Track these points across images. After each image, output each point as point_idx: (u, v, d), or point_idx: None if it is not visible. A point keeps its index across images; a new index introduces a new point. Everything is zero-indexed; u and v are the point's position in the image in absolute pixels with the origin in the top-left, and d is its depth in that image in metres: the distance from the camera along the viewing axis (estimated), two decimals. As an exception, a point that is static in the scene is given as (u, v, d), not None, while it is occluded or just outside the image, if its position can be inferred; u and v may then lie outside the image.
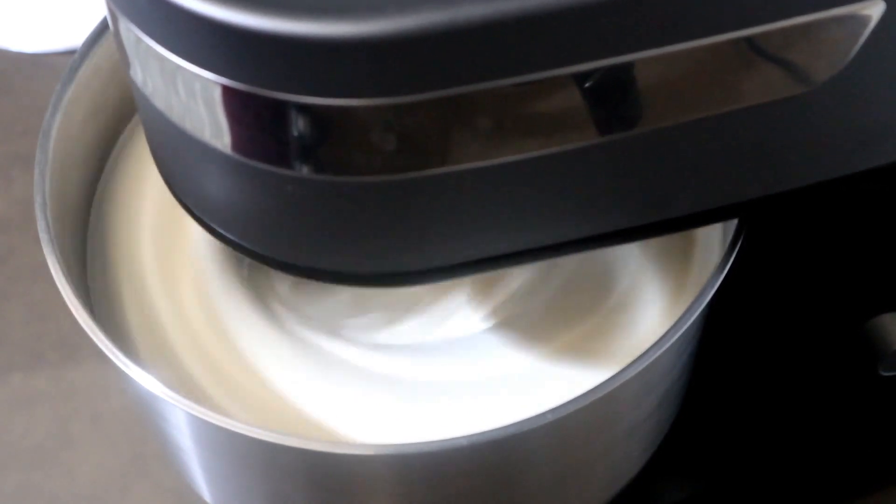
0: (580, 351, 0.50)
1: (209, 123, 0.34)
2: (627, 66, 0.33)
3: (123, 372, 0.43)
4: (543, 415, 0.41)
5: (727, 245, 0.44)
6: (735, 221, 0.45)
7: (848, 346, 0.51)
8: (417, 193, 0.35)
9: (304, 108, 0.32)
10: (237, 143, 0.34)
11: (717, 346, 0.51)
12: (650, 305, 0.51)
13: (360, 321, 0.52)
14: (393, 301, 0.52)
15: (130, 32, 0.34)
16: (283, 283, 0.53)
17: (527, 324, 0.51)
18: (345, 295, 0.52)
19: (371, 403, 0.48)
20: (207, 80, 0.32)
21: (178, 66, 0.33)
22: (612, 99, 0.33)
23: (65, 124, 0.50)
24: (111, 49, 0.51)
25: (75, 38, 0.72)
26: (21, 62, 0.74)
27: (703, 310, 0.43)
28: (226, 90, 0.32)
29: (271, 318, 0.52)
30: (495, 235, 0.37)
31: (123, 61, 0.36)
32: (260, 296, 0.53)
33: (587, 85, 0.33)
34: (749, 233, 0.44)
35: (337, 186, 0.34)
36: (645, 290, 0.52)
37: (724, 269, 0.44)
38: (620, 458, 0.51)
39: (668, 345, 0.42)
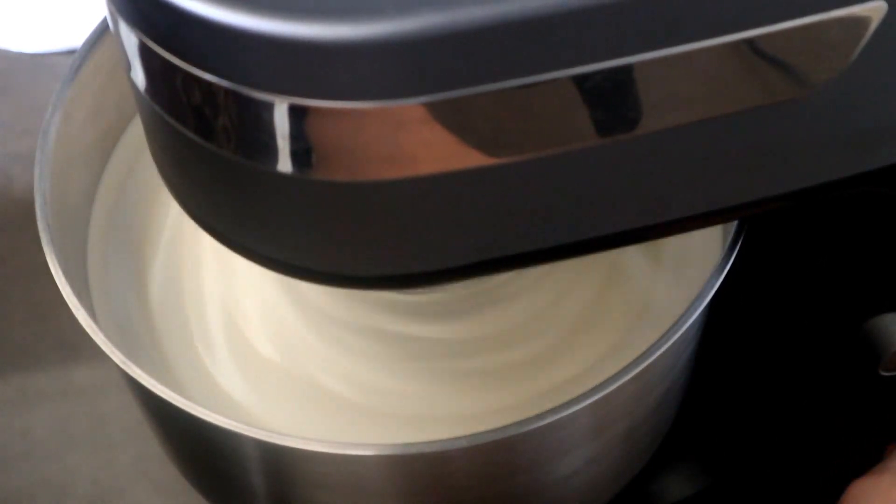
0: (580, 350, 0.50)
1: (209, 126, 0.34)
2: (627, 69, 0.33)
3: (124, 371, 0.43)
4: (543, 415, 0.41)
5: (727, 245, 0.44)
6: (735, 221, 0.45)
7: (848, 346, 0.51)
8: (416, 195, 0.35)
9: (304, 111, 0.32)
10: (238, 146, 0.34)
11: (717, 346, 0.51)
12: (650, 306, 0.51)
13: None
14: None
15: (131, 35, 0.34)
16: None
17: (527, 323, 0.51)
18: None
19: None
20: (208, 82, 0.32)
21: (179, 69, 0.33)
22: (614, 101, 0.33)
23: (65, 124, 0.50)
24: (111, 49, 0.51)
25: (75, 38, 0.72)
26: (21, 62, 0.74)
27: (704, 310, 0.43)
28: (227, 92, 0.32)
29: (275, 317, 0.52)
30: (495, 238, 0.37)
31: (124, 63, 0.36)
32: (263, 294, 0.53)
33: (587, 87, 0.33)
34: (749, 233, 0.44)
35: (339, 188, 0.34)
36: (644, 291, 0.52)
37: (724, 269, 0.44)
38: (621, 458, 0.51)
39: (668, 345, 0.42)
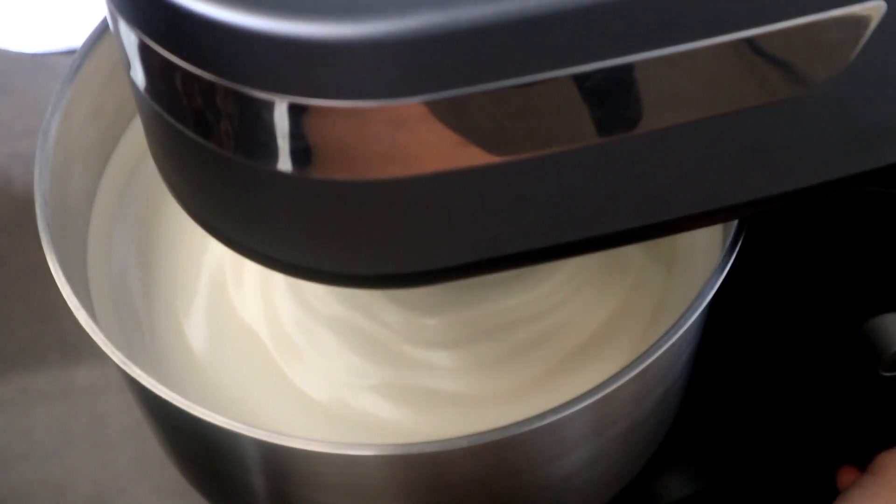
0: (578, 349, 0.50)
1: (209, 125, 0.34)
2: (627, 68, 0.33)
3: (124, 371, 0.43)
4: (543, 415, 0.41)
5: (727, 245, 0.44)
6: (735, 221, 0.45)
7: (848, 347, 0.51)
8: (416, 194, 0.35)
9: (304, 110, 0.32)
10: (238, 145, 0.34)
11: (717, 346, 0.51)
12: (649, 306, 0.51)
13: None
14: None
15: (131, 34, 0.34)
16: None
17: (530, 323, 0.51)
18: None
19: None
20: (208, 81, 0.32)
21: (179, 68, 0.33)
22: (614, 100, 0.33)
23: (65, 124, 0.50)
24: (111, 49, 0.51)
25: (75, 38, 0.73)
26: (21, 62, 0.74)
27: (704, 310, 0.43)
28: (227, 91, 0.32)
29: (278, 318, 0.52)
30: (495, 237, 0.37)
31: (124, 62, 0.36)
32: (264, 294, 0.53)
33: (587, 86, 0.33)
34: (749, 233, 0.44)
35: (339, 187, 0.34)
36: (646, 291, 0.52)
37: (724, 269, 0.44)
38: (621, 458, 0.51)
39: (667, 345, 0.42)
